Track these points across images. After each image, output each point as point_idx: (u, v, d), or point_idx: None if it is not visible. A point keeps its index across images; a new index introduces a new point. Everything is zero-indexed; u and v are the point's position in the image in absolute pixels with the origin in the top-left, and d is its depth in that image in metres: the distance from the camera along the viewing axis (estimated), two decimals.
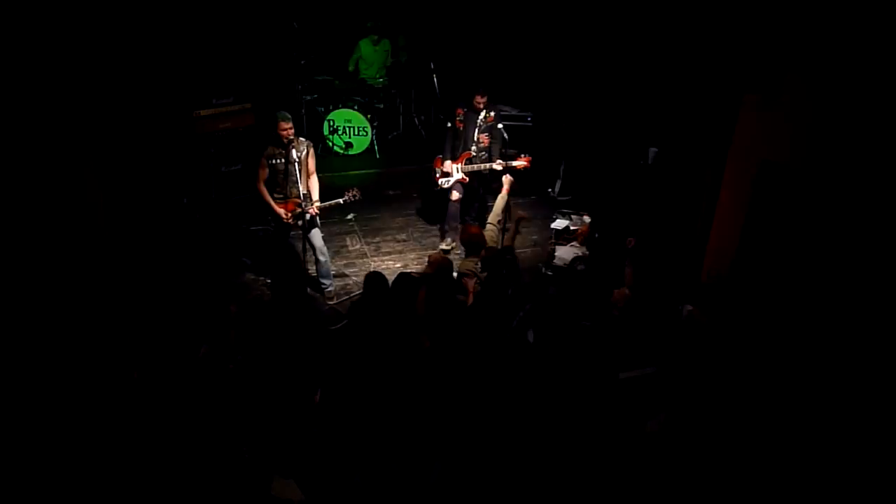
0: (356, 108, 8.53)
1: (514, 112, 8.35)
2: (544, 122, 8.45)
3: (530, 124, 8.33)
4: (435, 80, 8.95)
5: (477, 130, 6.78)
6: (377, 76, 8.93)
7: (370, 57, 8.95)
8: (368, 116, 8.54)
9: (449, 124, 6.93)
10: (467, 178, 6.88)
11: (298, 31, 8.65)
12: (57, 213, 5.29)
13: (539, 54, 8.72)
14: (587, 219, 7.25)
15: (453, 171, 6.85)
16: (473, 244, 5.72)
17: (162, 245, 6.50)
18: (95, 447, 4.00)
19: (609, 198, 7.31)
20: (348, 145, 8.65)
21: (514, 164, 6.73)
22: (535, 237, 7.44)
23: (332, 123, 8.59)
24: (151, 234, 6.47)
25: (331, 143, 8.63)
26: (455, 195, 6.89)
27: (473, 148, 6.81)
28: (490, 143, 6.83)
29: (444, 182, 6.89)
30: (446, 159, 6.88)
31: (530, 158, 6.80)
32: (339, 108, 8.54)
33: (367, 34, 8.88)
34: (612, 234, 6.50)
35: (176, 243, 6.64)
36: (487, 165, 6.80)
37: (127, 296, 5.65)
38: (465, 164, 6.84)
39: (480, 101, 6.67)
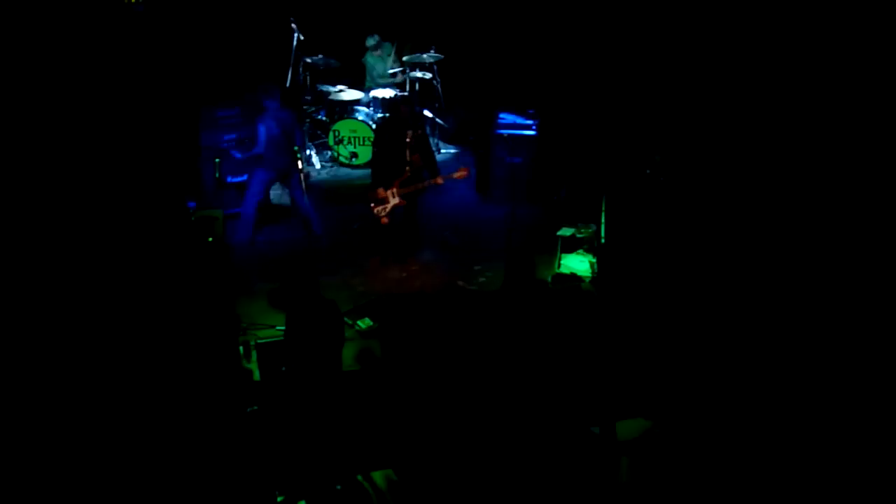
0: (361, 118, 8.55)
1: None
2: (549, 129, 8.44)
3: (534, 133, 8.32)
4: (439, 88, 8.99)
5: (408, 150, 6.46)
6: (385, 77, 8.98)
7: (378, 65, 9.07)
8: (373, 127, 8.55)
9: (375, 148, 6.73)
10: (405, 202, 6.59)
11: (303, 42, 8.70)
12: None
13: (542, 59, 8.72)
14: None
15: (389, 197, 6.55)
16: None
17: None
18: None
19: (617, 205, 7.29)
20: (353, 155, 8.66)
21: (455, 176, 6.62)
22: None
23: (337, 134, 8.61)
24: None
25: (336, 154, 8.65)
26: (385, 220, 6.60)
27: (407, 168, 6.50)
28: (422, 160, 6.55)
29: (380, 210, 6.55)
30: (377, 185, 6.57)
31: (468, 169, 6.75)
32: (343, 118, 8.57)
33: (367, 50, 9.01)
34: (622, 242, 6.49)
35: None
36: (427, 183, 6.61)
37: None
38: (401, 188, 6.52)
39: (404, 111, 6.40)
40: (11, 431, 4.15)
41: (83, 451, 4.12)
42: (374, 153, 6.76)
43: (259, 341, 5.69)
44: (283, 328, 5.77)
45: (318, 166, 8.68)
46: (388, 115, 7.85)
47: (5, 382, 4.39)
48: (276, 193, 7.85)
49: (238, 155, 6.97)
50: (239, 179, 7.42)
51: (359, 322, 5.98)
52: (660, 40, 6.84)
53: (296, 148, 6.77)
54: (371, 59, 9.08)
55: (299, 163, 6.62)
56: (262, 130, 6.71)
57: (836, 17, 4.75)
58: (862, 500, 3.83)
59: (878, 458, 3.93)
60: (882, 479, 3.83)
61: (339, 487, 4.22)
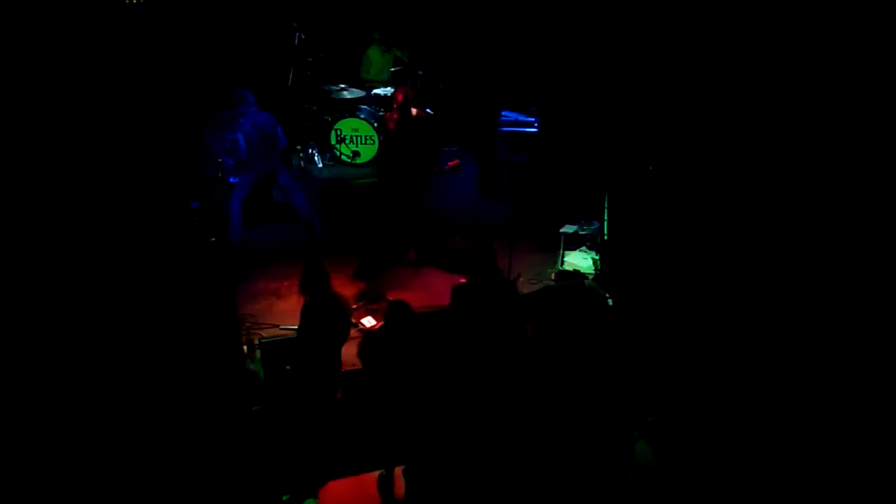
0: (363, 116, 8.56)
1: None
2: (551, 126, 8.43)
3: (536, 130, 8.31)
4: (441, 86, 8.98)
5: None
6: (382, 76, 8.98)
7: (378, 62, 9.08)
8: (375, 125, 8.55)
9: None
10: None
11: (305, 41, 8.70)
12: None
13: (544, 58, 8.72)
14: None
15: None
16: None
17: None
18: None
19: (619, 202, 7.29)
20: (356, 154, 8.66)
21: (449, 165, 6.54)
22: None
23: (339, 133, 8.61)
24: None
25: (338, 153, 8.64)
26: None
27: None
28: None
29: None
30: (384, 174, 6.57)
31: (458, 160, 6.70)
32: (345, 117, 8.57)
33: (373, 43, 8.98)
34: (624, 239, 6.49)
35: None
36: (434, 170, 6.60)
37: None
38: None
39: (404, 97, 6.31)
40: (14, 431, 4.17)
41: (88, 451, 4.13)
42: (380, 143, 6.70)
43: (263, 340, 5.72)
44: (286, 328, 5.81)
45: (319, 165, 8.68)
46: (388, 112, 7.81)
47: (8, 382, 4.41)
48: (278, 193, 7.87)
49: (230, 161, 7.04)
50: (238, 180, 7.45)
51: (362, 321, 6.00)
52: (661, 37, 6.83)
53: (297, 148, 6.77)
54: (374, 55, 9.09)
55: (302, 162, 6.62)
56: (240, 138, 6.80)
57: (836, 17, 4.74)
58: (862, 501, 3.83)
59: (879, 458, 3.92)
60: (882, 479, 3.83)
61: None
